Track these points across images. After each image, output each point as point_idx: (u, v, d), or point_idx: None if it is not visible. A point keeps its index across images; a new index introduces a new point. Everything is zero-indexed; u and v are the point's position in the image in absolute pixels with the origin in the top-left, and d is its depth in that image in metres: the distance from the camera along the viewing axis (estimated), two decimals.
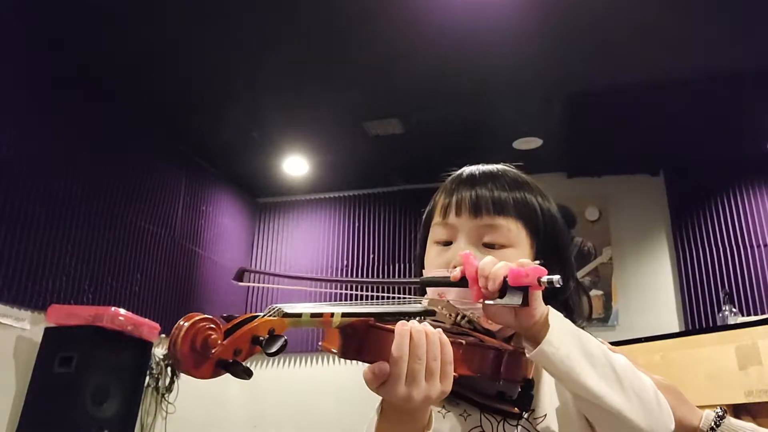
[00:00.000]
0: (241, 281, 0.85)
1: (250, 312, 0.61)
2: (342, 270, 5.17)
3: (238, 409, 4.83)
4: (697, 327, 4.29)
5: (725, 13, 3.15)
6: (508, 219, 0.89)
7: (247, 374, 0.57)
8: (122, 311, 3.34)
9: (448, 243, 0.92)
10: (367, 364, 0.67)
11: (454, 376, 0.69)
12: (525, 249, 0.90)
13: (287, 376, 4.89)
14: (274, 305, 0.61)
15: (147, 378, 3.74)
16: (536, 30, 3.30)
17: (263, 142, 4.60)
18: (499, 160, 1.00)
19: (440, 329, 0.69)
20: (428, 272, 0.92)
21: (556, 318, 0.76)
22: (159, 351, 4.01)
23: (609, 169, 4.86)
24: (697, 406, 0.93)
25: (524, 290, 0.72)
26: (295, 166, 4.96)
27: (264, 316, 0.60)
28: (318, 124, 4.38)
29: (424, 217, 1.01)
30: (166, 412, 4.06)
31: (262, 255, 5.45)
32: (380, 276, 5.07)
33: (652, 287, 4.64)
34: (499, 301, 0.73)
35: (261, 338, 0.58)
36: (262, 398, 4.74)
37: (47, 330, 3.25)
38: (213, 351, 0.55)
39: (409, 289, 1.01)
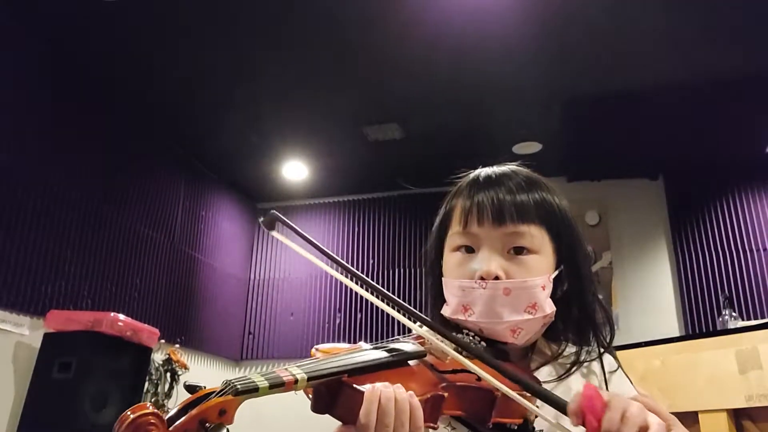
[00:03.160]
0: (273, 229, 0.83)
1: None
2: (341, 274, 5.16)
3: (237, 414, 4.81)
4: (697, 331, 4.29)
5: (725, 17, 3.16)
6: (531, 225, 0.87)
7: None
8: (121, 317, 3.33)
9: (469, 249, 0.89)
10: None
11: (431, 427, 0.67)
12: (548, 254, 0.89)
13: None
14: (230, 380, 0.60)
15: (146, 383, 3.73)
16: (535, 35, 3.31)
17: (262, 147, 4.60)
18: (500, 164, 0.98)
19: (412, 392, 0.67)
20: (450, 282, 0.89)
21: None
22: (158, 356, 4.00)
23: (608, 173, 4.86)
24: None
25: None
26: (295, 170, 4.96)
27: (217, 395, 0.58)
28: (317, 128, 4.39)
29: (438, 222, 0.97)
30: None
31: (261, 260, 5.44)
32: (380, 279, 5.06)
33: (651, 291, 4.63)
34: None
35: (208, 425, 0.56)
36: (262, 403, 4.74)
37: (46, 335, 3.24)
38: None
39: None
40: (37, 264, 3.32)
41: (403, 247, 5.11)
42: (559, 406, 0.67)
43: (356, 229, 5.31)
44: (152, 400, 3.95)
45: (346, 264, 0.85)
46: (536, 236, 0.87)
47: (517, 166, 0.97)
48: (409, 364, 0.76)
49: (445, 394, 0.70)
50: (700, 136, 4.31)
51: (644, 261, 4.73)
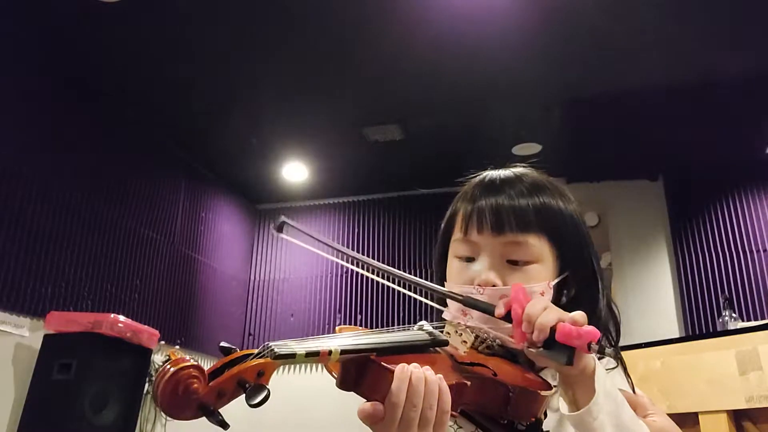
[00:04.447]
0: (281, 233, 0.85)
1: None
2: (341, 276, 5.17)
3: (237, 414, 4.80)
4: (697, 332, 4.28)
5: (723, 18, 3.16)
6: (530, 235, 0.87)
7: (222, 426, 0.57)
8: (121, 318, 3.33)
9: (470, 258, 0.90)
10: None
11: (452, 415, 0.68)
12: (549, 263, 0.88)
13: (287, 380, 4.88)
14: (268, 344, 0.60)
15: (146, 385, 3.73)
16: (535, 36, 3.31)
17: (262, 149, 4.60)
18: (499, 166, 0.98)
19: (441, 375, 0.67)
20: (450, 288, 0.89)
21: (600, 379, 0.73)
22: (158, 358, 4.00)
23: (608, 174, 4.86)
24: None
25: (571, 350, 0.68)
26: (295, 172, 4.96)
27: (255, 357, 0.59)
28: (317, 130, 4.39)
29: (444, 224, 0.98)
30: (165, 419, 4.05)
31: (261, 261, 5.44)
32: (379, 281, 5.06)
33: (651, 292, 4.63)
34: (542, 351, 0.70)
35: (247, 384, 0.58)
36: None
37: (46, 337, 3.24)
38: (195, 396, 0.55)
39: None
40: (37, 265, 3.32)
41: (402, 248, 5.11)
42: (488, 309, 0.76)
43: (356, 231, 5.31)
44: (152, 401, 3.95)
45: (362, 257, 0.87)
46: (535, 245, 0.87)
47: (524, 167, 0.97)
48: (431, 351, 0.77)
49: (468, 383, 0.71)
50: (700, 136, 4.31)
51: (644, 262, 4.73)
